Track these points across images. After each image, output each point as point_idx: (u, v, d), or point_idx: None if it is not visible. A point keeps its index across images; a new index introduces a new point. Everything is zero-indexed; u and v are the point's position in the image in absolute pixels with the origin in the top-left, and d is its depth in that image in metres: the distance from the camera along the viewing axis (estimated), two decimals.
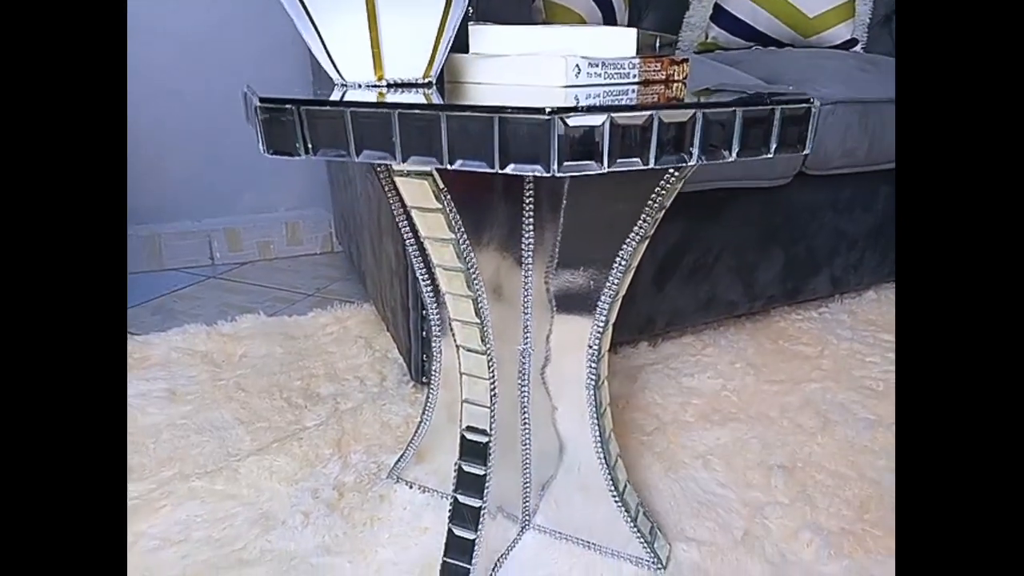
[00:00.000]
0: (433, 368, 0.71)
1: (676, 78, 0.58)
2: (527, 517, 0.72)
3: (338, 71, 0.45)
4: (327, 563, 0.65)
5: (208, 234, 1.58)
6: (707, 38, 1.43)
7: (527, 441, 0.69)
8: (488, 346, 0.56)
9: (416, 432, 0.76)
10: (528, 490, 0.71)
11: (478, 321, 0.54)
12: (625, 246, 0.55)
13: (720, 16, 1.40)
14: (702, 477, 0.78)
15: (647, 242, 0.57)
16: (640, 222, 0.54)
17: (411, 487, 0.77)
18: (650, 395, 0.97)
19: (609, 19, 1.34)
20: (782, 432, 0.87)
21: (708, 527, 0.70)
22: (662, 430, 0.88)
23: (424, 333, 0.90)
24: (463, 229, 0.48)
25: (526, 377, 0.65)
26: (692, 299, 1.10)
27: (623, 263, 0.56)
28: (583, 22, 1.30)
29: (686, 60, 0.59)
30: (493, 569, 0.66)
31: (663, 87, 0.54)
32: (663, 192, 0.52)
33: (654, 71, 0.56)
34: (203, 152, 1.54)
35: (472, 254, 0.50)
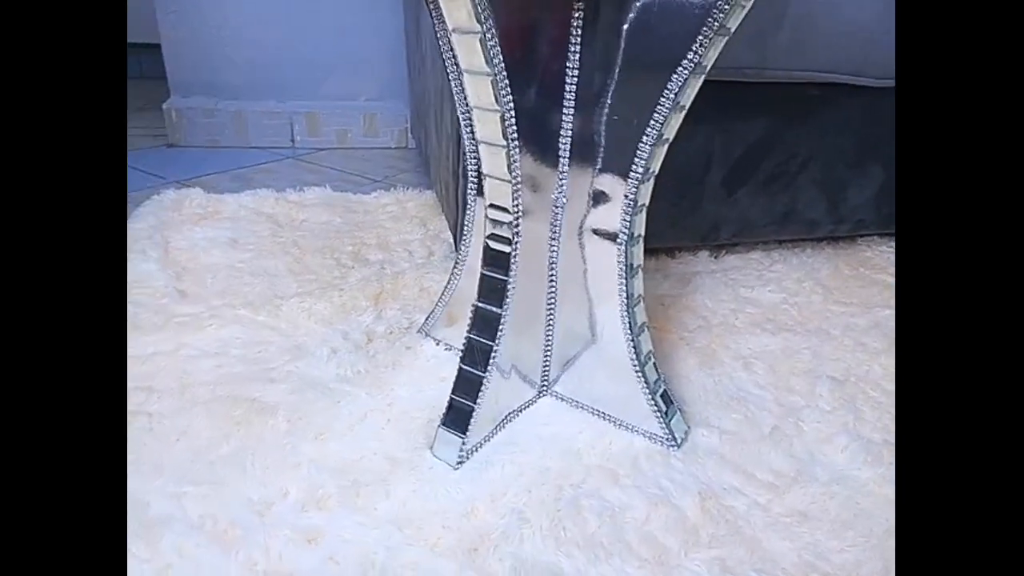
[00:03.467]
0: (466, 220, 0.69)
1: None
2: (545, 384, 0.70)
3: None
4: (344, 390, 0.67)
5: (290, 116, 1.62)
6: None
7: (552, 306, 0.67)
8: (514, 174, 0.53)
9: (446, 287, 0.75)
10: (549, 360, 0.69)
11: (505, 144, 0.51)
12: (676, 76, 0.50)
13: None
14: (739, 376, 0.73)
15: (703, 77, 0.51)
16: (695, 47, 0.48)
17: (438, 344, 0.77)
18: (701, 298, 0.91)
19: None
20: (840, 348, 0.80)
21: (734, 419, 0.66)
22: (707, 329, 0.83)
23: None
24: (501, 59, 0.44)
25: (557, 231, 0.62)
26: (766, 211, 1.01)
27: (670, 97, 0.50)
28: None
29: None
30: (503, 421, 0.65)
31: None
32: (726, 7, 0.46)
33: None
34: (291, 30, 1.56)
35: (501, 59, 0.46)
